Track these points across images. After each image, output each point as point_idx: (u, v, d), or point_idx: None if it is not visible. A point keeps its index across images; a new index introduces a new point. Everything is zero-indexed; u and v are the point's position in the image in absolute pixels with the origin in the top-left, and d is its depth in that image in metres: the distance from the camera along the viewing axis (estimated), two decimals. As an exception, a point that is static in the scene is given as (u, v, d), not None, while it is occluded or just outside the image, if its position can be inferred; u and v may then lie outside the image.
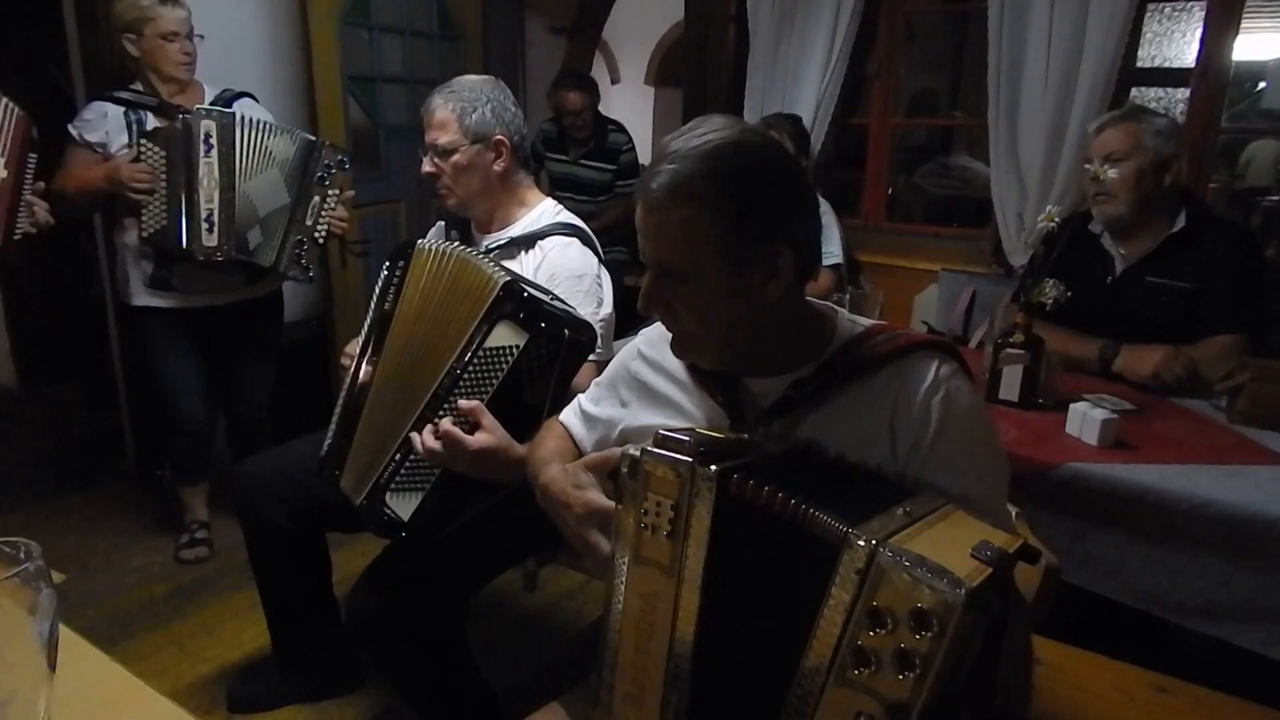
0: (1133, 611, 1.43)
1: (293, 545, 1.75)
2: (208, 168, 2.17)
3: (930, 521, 0.76)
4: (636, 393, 1.15)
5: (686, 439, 0.83)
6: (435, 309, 1.40)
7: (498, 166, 1.65)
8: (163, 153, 2.17)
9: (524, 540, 1.67)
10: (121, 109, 2.27)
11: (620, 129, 3.69)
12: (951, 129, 4.39)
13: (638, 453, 0.85)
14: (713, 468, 0.80)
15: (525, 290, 1.33)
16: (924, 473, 0.91)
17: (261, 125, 2.23)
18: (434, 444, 1.28)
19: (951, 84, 4.98)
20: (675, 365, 1.08)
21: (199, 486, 2.67)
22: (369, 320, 1.53)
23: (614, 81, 7.88)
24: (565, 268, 1.58)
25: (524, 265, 1.61)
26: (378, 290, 1.53)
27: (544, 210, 1.71)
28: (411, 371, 1.41)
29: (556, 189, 3.60)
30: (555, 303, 1.38)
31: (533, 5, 4.22)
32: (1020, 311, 1.70)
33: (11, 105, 1.88)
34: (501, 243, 1.66)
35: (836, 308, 1.04)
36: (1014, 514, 1.17)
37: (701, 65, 3.42)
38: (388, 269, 1.51)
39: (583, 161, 3.61)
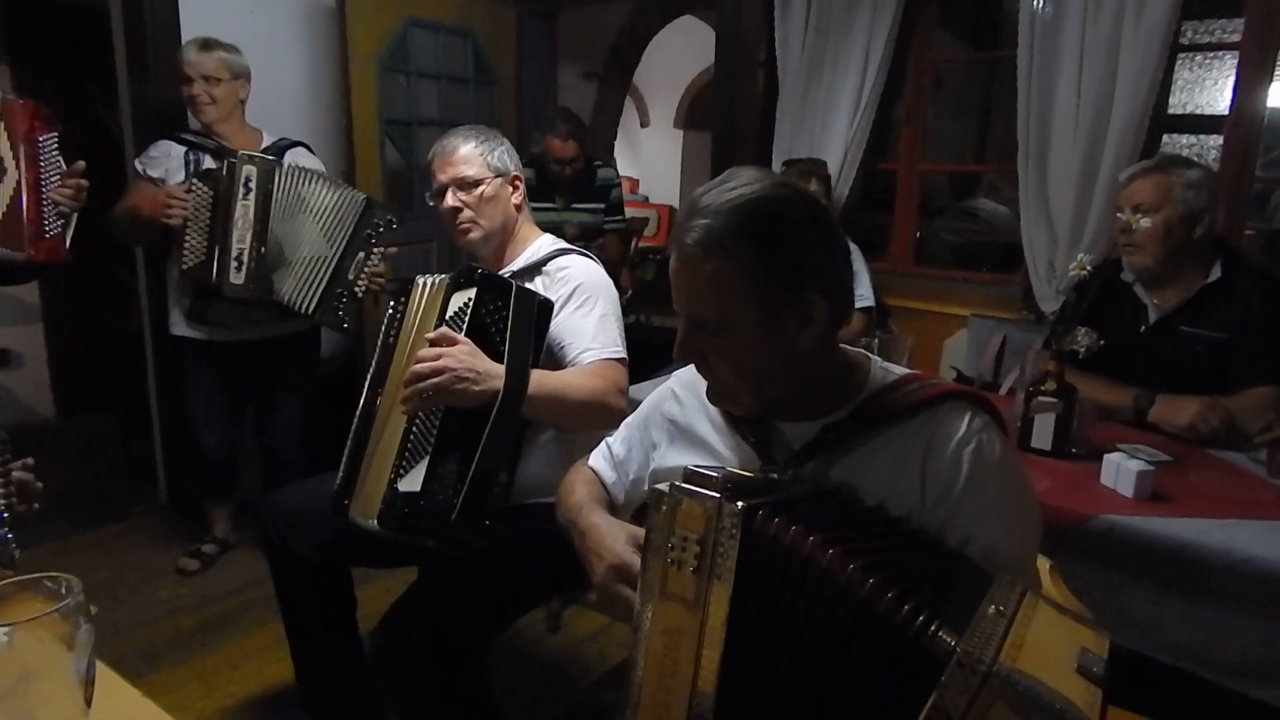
0: (1170, 669, 1.40)
1: (318, 578, 1.78)
2: (243, 210, 2.26)
3: (1023, 620, 0.74)
4: (668, 434, 1.17)
5: (715, 475, 0.85)
6: (419, 324, 1.54)
7: (515, 200, 1.75)
8: (210, 192, 2.27)
9: (546, 581, 1.67)
10: (184, 149, 2.42)
11: (605, 163, 3.55)
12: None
13: (666, 487, 0.86)
14: (739, 503, 0.81)
15: (475, 268, 1.51)
16: (953, 522, 0.92)
17: (300, 174, 2.33)
18: (419, 368, 1.38)
19: (979, 129, 5.03)
20: (708, 407, 1.10)
21: (220, 508, 2.80)
22: (376, 356, 1.61)
23: (643, 124, 8.02)
24: (574, 273, 1.66)
25: (538, 288, 1.66)
26: (384, 328, 1.62)
27: (542, 243, 1.79)
28: (400, 379, 1.50)
29: None
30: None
31: (565, 51, 4.34)
32: (1052, 359, 1.70)
33: (15, 99, 1.87)
34: (511, 274, 1.70)
35: (870, 355, 1.06)
36: (1047, 566, 1.17)
37: (731, 110, 3.48)
38: (392, 307, 1.61)
39: (575, 206, 3.41)
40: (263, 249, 2.28)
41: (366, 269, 2.35)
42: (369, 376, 1.62)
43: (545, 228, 3.12)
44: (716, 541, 0.81)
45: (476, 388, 1.40)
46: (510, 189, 1.74)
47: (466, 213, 1.70)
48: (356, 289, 2.36)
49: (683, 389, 1.17)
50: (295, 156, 2.51)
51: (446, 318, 1.50)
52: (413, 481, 1.45)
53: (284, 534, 1.73)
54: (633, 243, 4.21)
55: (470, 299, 1.48)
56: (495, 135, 1.77)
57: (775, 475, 0.94)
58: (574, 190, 3.37)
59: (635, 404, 2.08)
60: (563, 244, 1.79)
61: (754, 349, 0.95)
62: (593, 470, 1.28)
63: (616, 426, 1.35)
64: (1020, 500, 0.97)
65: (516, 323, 1.47)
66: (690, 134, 8.03)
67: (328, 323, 2.39)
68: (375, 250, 2.36)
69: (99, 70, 3.09)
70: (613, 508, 1.22)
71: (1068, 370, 1.71)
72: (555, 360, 1.61)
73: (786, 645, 0.79)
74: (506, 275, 1.69)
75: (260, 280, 2.30)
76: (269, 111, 3.02)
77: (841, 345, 1.04)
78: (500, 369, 1.43)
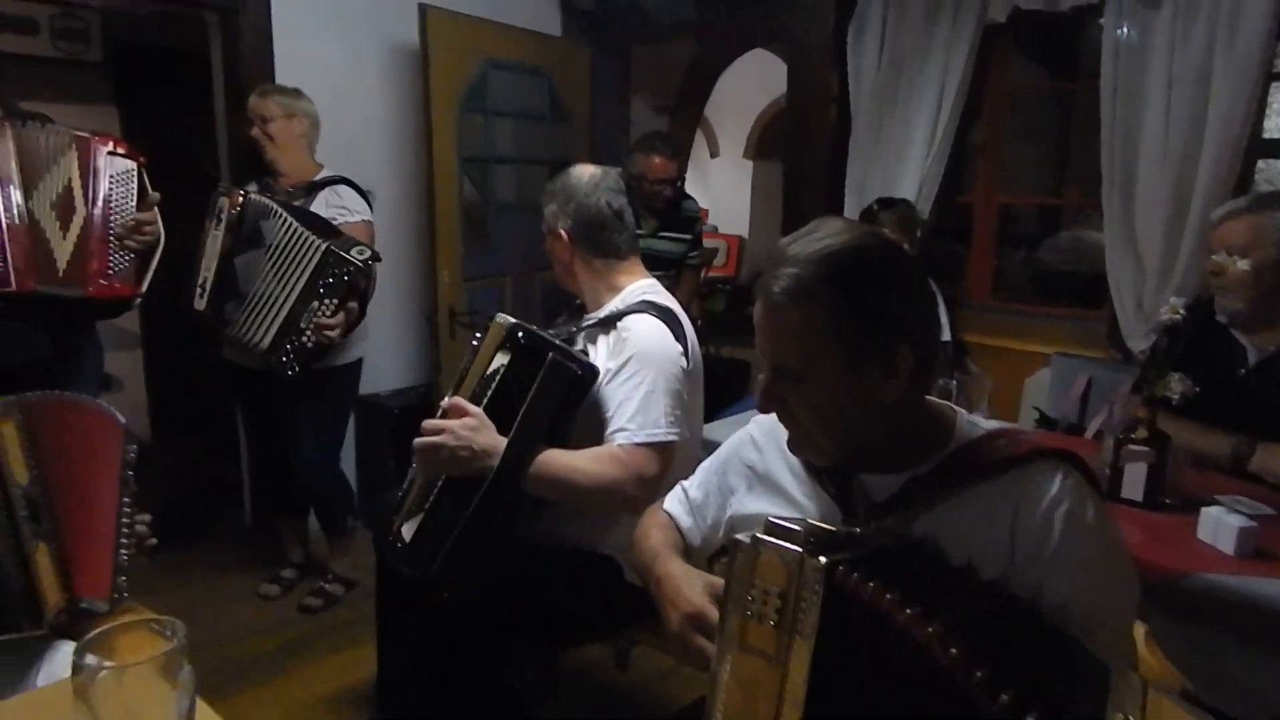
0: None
1: (420, 598, 1.78)
2: (213, 239, 2.36)
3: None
4: (746, 480, 1.17)
5: (797, 528, 0.85)
6: (474, 371, 1.60)
7: (564, 255, 1.77)
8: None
9: (575, 623, 1.72)
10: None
11: (690, 196, 3.54)
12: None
13: (747, 539, 0.86)
14: (822, 559, 0.80)
15: (522, 329, 1.55)
16: (1045, 586, 0.89)
17: (263, 208, 2.37)
18: (420, 441, 1.47)
19: (1056, 156, 4.90)
20: (787, 454, 1.10)
21: (291, 530, 2.94)
22: (453, 385, 1.66)
23: (713, 155, 8.08)
24: (638, 337, 1.61)
25: (602, 346, 1.66)
26: (465, 360, 1.68)
27: (632, 291, 1.74)
28: None
29: None
30: (558, 343, 1.56)
31: (638, 87, 4.42)
32: (1143, 404, 1.64)
33: (93, 134, 1.94)
34: (591, 324, 1.73)
35: (956, 407, 1.04)
36: (1142, 632, 1.12)
37: (802, 143, 3.49)
38: (475, 339, 1.66)
39: (662, 234, 3.37)
40: (221, 278, 2.36)
41: (315, 319, 2.34)
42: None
43: None
44: (799, 596, 0.81)
45: (473, 464, 1.47)
46: (559, 244, 1.76)
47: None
48: (305, 338, 2.35)
49: (762, 435, 1.17)
50: (329, 194, 2.59)
51: (484, 374, 1.55)
52: (409, 530, 1.55)
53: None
54: (703, 274, 4.22)
55: (504, 365, 1.52)
56: (563, 183, 1.77)
57: (858, 529, 0.93)
58: (663, 217, 3.37)
59: (710, 445, 2.12)
60: (648, 295, 1.73)
61: (838, 398, 0.95)
62: (668, 514, 1.28)
63: (636, 512, 1.36)
64: (1116, 564, 0.94)
65: (537, 399, 1.51)
66: (760, 164, 8.04)
67: (274, 365, 2.38)
68: (328, 301, 2.34)
69: (198, 112, 3.28)
70: (687, 553, 1.23)
71: (1160, 416, 1.65)
72: (598, 428, 1.59)
73: (870, 708, 0.78)
74: (593, 323, 1.72)
75: (217, 308, 2.37)
76: (354, 150, 3.17)
77: (927, 397, 1.03)
78: (501, 447, 1.47)
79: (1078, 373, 2.78)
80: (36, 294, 1.80)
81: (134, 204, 1.97)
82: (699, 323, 3.61)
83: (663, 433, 1.56)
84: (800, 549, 0.81)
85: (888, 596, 0.76)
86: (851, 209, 3.25)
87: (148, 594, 1.40)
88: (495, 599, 1.59)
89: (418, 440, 1.50)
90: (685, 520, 1.26)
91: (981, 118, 3.26)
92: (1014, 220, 4.02)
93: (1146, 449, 1.59)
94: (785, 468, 1.11)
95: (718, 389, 2.19)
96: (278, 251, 2.34)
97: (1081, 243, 3.56)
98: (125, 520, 1.27)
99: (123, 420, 1.34)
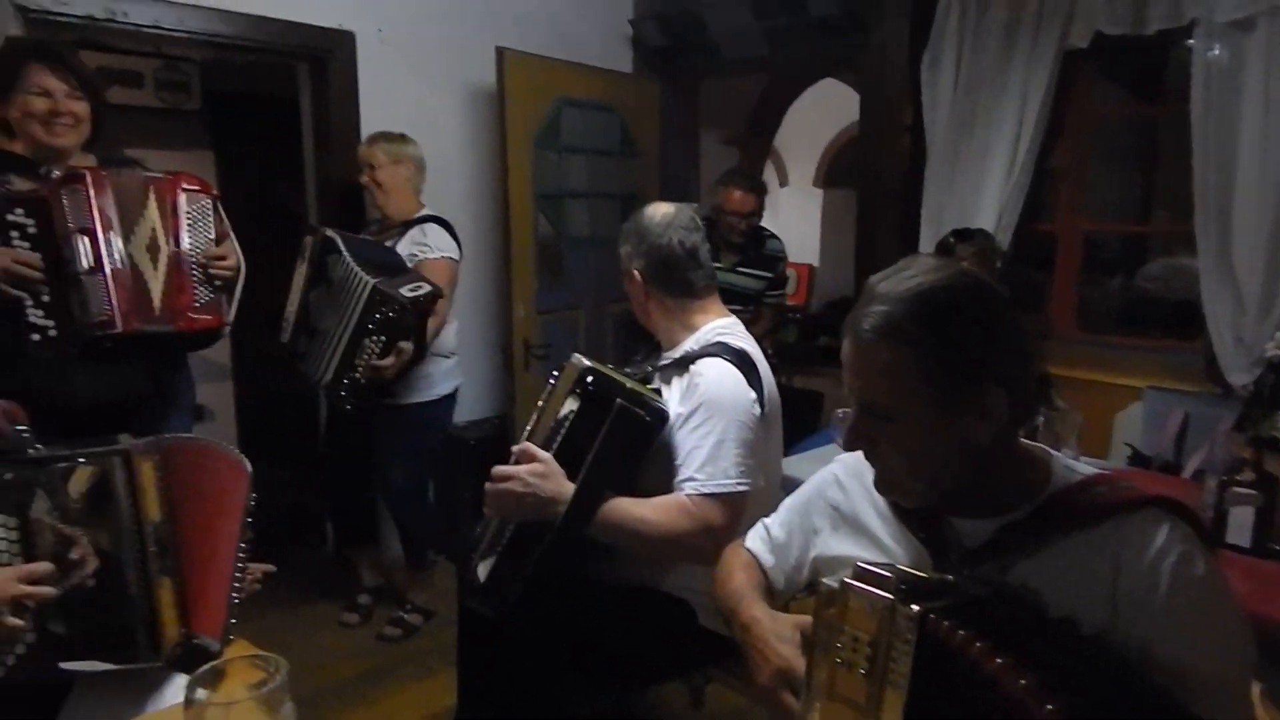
0: None
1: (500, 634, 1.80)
2: (298, 276, 2.48)
3: None
4: (830, 520, 1.16)
5: (888, 575, 0.84)
6: (548, 412, 1.62)
7: (639, 295, 1.78)
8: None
9: (639, 663, 1.71)
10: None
11: (775, 236, 3.57)
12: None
13: (835, 584, 0.86)
14: (914, 607, 0.79)
15: (592, 373, 1.56)
16: (1151, 642, 0.86)
17: (331, 244, 2.47)
18: (490, 486, 1.51)
19: (1142, 180, 4.73)
20: (874, 495, 1.09)
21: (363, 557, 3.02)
22: (530, 427, 1.69)
23: (782, 184, 8.07)
24: (709, 385, 1.59)
25: (675, 388, 1.66)
26: (540, 401, 1.71)
27: (704, 332, 1.73)
28: None
29: None
30: (630, 388, 1.58)
31: (707, 120, 4.47)
32: (1248, 444, 1.57)
33: (166, 174, 2.00)
34: (666, 364, 1.73)
35: (1051, 450, 1.02)
36: (1257, 691, 1.06)
37: (876, 173, 3.47)
38: (552, 378, 1.69)
39: (741, 269, 3.40)
40: (299, 313, 2.48)
41: (363, 357, 2.39)
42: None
43: None
44: (890, 645, 0.80)
45: (541, 511, 1.49)
46: (630, 283, 1.78)
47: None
48: (358, 374, 2.40)
49: (847, 475, 1.16)
50: (414, 232, 2.71)
51: (556, 418, 1.57)
52: (484, 569, 1.59)
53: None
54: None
55: (573, 411, 1.54)
56: (635, 223, 1.78)
57: (950, 576, 0.92)
58: (742, 252, 3.38)
59: (788, 482, 2.09)
60: (723, 335, 1.72)
61: (927, 439, 0.94)
62: (750, 553, 1.28)
63: (703, 562, 1.36)
64: (1229, 620, 0.89)
65: (604, 447, 1.53)
66: (830, 192, 8.00)
67: (330, 398, 2.50)
68: (377, 338, 2.38)
69: (288, 155, 3.46)
70: (770, 593, 1.22)
71: (1267, 456, 1.57)
72: (668, 472, 1.59)
73: None
74: (668, 363, 1.72)
75: (295, 342, 2.48)
76: (433, 188, 3.28)
77: (1021, 440, 1.00)
78: (568, 494, 1.49)
79: (1172, 408, 2.66)
80: (139, 333, 1.90)
81: (212, 237, 2.04)
82: (771, 353, 3.61)
83: (732, 484, 1.54)
84: (891, 596, 0.80)
85: (980, 646, 0.75)
86: (928, 239, 3.21)
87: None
88: (569, 638, 1.61)
89: (488, 486, 1.53)
90: (768, 559, 1.25)
91: (1062, 143, 3.18)
92: (1098, 248, 3.89)
93: (1254, 492, 1.52)
94: (872, 509, 1.10)
95: (791, 421, 2.18)
96: (337, 289, 2.44)
97: (1177, 271, 3.42)
98: (240, 564, 1.32)
99: (249, 468, 1.38)
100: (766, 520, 1.30)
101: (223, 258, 2.02)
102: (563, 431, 1.53)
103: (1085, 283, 3.36)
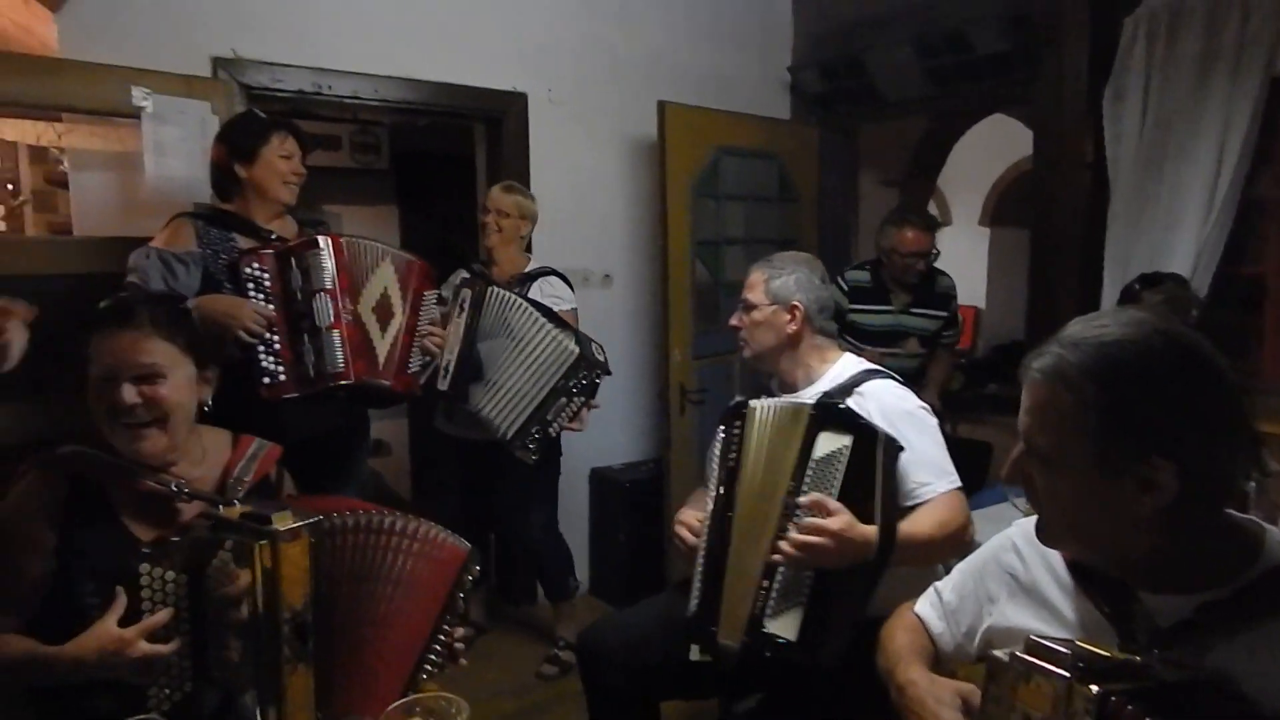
0: None
1: (632, 711, 1.84)
2: (455, 326, 2.57)
3: None
4: (1007, 588, 1.12)
5: (1065, 650, 0.81)
6: (769, 451, 1.62)
7: (790, 328, 1.82)
8: (443, 310, 2.60)
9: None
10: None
11: (945, 273, 3.43)
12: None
13: (1006, 657, 0.84)
14: (1094, 688, 0.76)
15: (837, 402, 1.58)
16: None
17: (510, 303, 2.58)
18: (801, 538, 1.43)
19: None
20: (1056, 562, 1.04)
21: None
22: (717, 479, 1.70)
23: (945, 223, 7.82)
24: (889, 403, 1.70)
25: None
26: (719, 450, 1.72)
27: (847, 363, 1.85)
28: (760, 510, 1.59)
29: (868, 344, 3.18)
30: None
31: (867, 161, 4.43)
32: None
33: (410, 258, 2.31)
34: (813, 396, 1.75)
35: (1265, 524, 0.94)
36: None
37: (1051, 212, 3.30)
38: (724, 430, 1.71)
39: (914, 310, 3.31)
40: (466, 361, 2.56)
41: (563, 415, 2.56)
42: (714, 499, 1.68)
43: (878, 331, 3.09)
44: (1066, 725, 0.77)
45: (854, 558, 1.46)
46: (787, 316, 1.82)
47: (742, 331, 1.89)
48: (550, 430, 2.56)
49: (1025, 541, 1.11)
50: (542, 284, 2.83)
51: (814, 458, 1.55)
52: (785, 627, 1.51)
53: (602, 668, 1.83)
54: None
55: (846, 447, 1.53)
56: (794, 264, 1.87)
57: (1137, 657, 0.87)
58: (914, 293, 3.30)
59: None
60: (869, 365, 1.84)
61: (1080, 495, 0.91)
62: (918, 617, 1.25)
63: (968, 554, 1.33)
64: None
65: (889, 481, 1.52)
66: (998, 231, 7.65)
67: (515, 449, 2.57)
68: (577, 399, 2.55)
69: (465, 208, 3.74)
70: (936, 659, 1.19)
71: None
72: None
73: None
74: (817, 396, 1.74)
75: (460, 389, 2.57)
76: (596, 237, 3.48)
77: (1229, 511, 0.94)
78: (873, 536, 1.47)
79: None
80: (366, 385, 2.13)
81: (435, 317, 2.37)
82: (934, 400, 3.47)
83: (957, 477, 1.65)
84: (1069, 674, 0.78)
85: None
86: (1113, 281, 3.02)
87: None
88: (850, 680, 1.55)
89: (796, 542, 1.46)
90: (937, 625, 1.22)
91: (1269, 176, 2.92)
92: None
93: None
94: (1051, 579, 1.05)
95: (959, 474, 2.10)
96: (530, 348, 2.56)
97: None
98: (441, 639, 1.35)
99: (465, 547, 1.40)
100: (939, 584, 1.27)
101: (435, 335, 2.34)
102: (841, 470, 1.52)
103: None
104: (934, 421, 1.73)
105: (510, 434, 2.56)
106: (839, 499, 1.49)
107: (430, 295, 2.34)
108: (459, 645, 1.39)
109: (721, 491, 1.67)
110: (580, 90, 3.42)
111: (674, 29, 3.62)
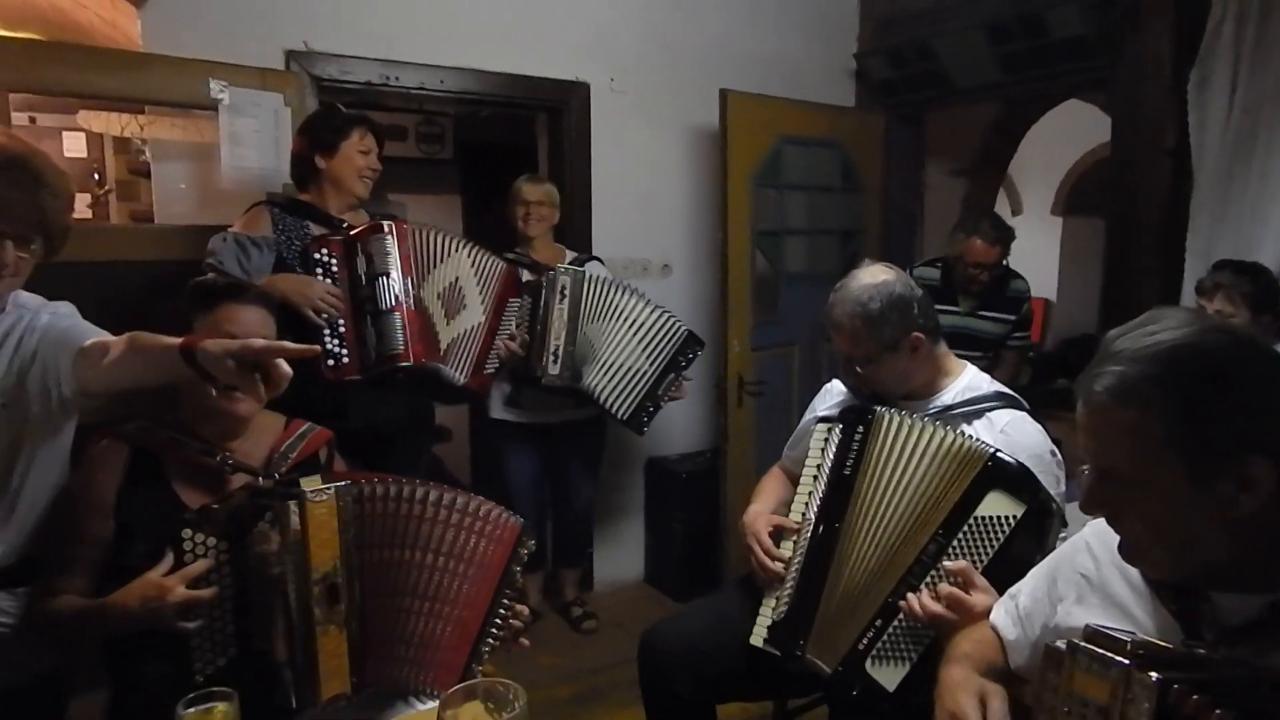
0: None
1: (691, 715, 1.84)
2: (559, 313, 2.67)
3: None
4: (1077, 589, 1.11)
5: (1125, 639, 0.81)
6: (910, 477, 1.49)
7: (914, 360, 1.68)
8: (530, 299, 2.68)
9: None
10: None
11: (1020, 275, 3.39)
12: None
13: (1064, 645, 0.84)
14: (1153, 675, 0.76)
15: (1014, 460, 1.40)
16: None
17: (610, 285, 2.74)
18: (935, 607, 1.32)
19: None
20: (1125, 564, 1.03)
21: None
22: (825, 484, 1.61)
23: (1015, 213, 7.63)
24: (1026, 446, 1.55)
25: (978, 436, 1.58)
26: (834, 454, 1.61)
27: (971, 378, 1.71)
28: (887, 542, 1.49)
29: None
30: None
31: (934, 150, 4.36)
32: None
33: (498, 261, 2.44)
34: (935, 411, 1.66)
35: None
36: None
37: (1130, 202, 3.21)
38: (841, 431, 1.60)
39: (980, 312, 3.27)
40: (573, 346, 2.68)
41: (671, 389, 2.78)
42: (820, 504, 1.61)
43: (943, 332, 3.03)
44: (1123, 715, 0.78)
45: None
46: (909, 352, 1.66)
47: (868, 377, 1.71)
48: (661, 404, 2.78)
49: (1097, 541, 1.10)
50: (592, 268, 2.92)
51: (975, 515, 1.40)
52: (886, 675, 1.43)
53: (665, 671, 1.81)
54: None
55: (1015, 517, 1.36)
56: (884, 298, 1.64)
57: (1201, 650, 0.86)
58: (982, 296, 3.26)
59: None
60: (998, 385, 1.72)
61: (1177, 510, 0.88)
62: (993, 628, 1.23)
63: None
64: None
65: (1037, 555, 1.33)
66: (1071, 220, 7.45)
67: (632, 426, 2.78)
68: (685, 377, 2.79)
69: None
70: (1007, 676, 1.16)
71: None
72: None
73: None
74: (938, 409, 1.66)
75: (572, 371, 2.68)
76: (655, 226, 3.50)
77: None
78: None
79: None
80: (425, 370, 2.21)
81: (512, 325, 2.50)
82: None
83: None
84: (1127, 662, 0.78)
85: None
86: (1194, 275, 2.92)
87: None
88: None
89: (929, 608, 1.34)
90: (1011, 633, 1.20)
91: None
92: None
93: None
94: (1122, 579, 1.04)
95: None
96: (644, 328, 2.74)
97: None
98: (501, 613, 1.40)
99: (519, 522, 1.42)
100: (1014, 588, 1.25)
101: (513, 339, 2.48)
102: (1001, 540, 1.37)
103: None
104: (1062, 469, 1.59)
105: (628, 414, 2.73)
106: (985, 570, 1.35)
107: (515, 302, 2.47)
108: (518, 624, 1.43)
109: (829, 500, 1.59)
110: (642, 79, 3.45)
111: (736, 16, 3.61)
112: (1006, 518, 1.36)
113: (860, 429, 1.58)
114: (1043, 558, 1.28)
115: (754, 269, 3.45)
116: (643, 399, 2.74)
